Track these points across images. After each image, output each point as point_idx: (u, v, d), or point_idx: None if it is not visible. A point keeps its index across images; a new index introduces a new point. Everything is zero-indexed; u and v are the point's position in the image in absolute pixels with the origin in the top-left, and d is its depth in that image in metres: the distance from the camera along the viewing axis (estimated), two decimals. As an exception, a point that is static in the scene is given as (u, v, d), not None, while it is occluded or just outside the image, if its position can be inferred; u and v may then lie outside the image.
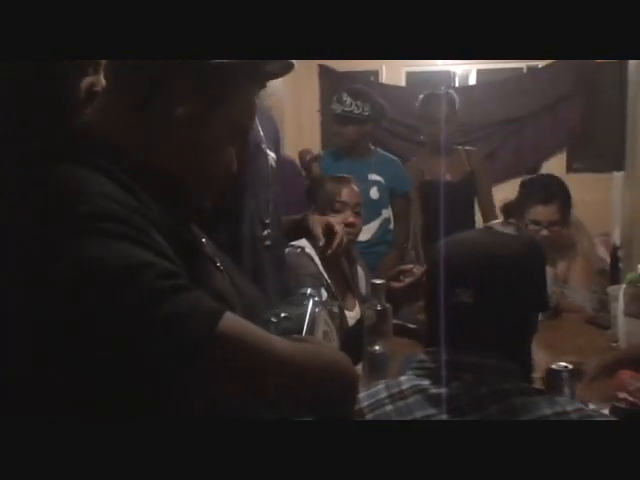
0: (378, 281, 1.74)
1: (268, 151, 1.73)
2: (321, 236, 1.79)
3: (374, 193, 2.98)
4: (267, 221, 1.66)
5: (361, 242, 2.74)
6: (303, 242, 2.18)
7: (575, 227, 2.60)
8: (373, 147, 3.13)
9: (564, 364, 1.50)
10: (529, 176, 2.63)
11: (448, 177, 3.17)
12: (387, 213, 3.04)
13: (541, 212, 2.44)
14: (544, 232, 2.42)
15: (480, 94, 4.87)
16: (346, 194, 2.27)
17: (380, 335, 1.71)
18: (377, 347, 1.67)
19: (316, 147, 4.87)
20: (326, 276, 2.13)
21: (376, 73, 5.15)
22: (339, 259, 2.27)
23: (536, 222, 2.45)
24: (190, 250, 0.84)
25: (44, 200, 0.71)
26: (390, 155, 3.17)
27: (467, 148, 3.39)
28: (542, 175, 2.51)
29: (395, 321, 1.80)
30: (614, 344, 1.98)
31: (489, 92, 4.87)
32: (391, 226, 3.07)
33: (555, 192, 2.46)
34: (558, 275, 2.47)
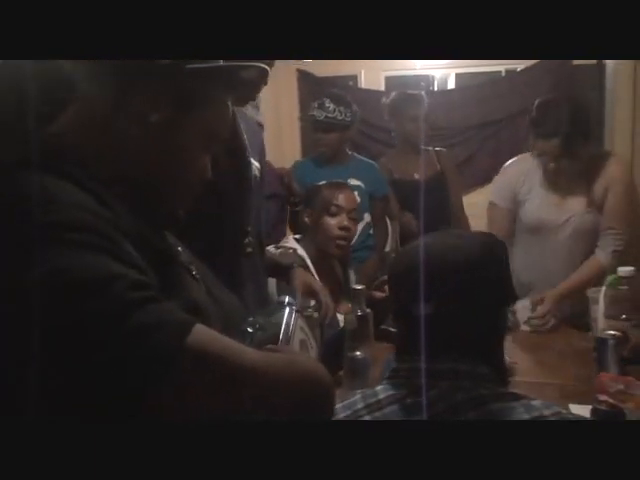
0: (358, 286, 1.74)
1: (252, 160, 1.72)
2: (300, 302, 1.76)
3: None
4: (249, 229, 1.65)
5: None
6: (293, 244, 2.20)
7: (604, 156, 2.41)
8: (350, 152, 3.15)
9: (612, 332, 1.68)
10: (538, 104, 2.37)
11: (417, 176, 3.19)
12: (368, 217, 3.06)
13: (542, 146, 2.30)
14: (550, 165, 2.31)
15: (458, 98, 4.90)
16: (342, 199, 2.31)
17: (361, 340, 1.71)
18: (358, 352, 1.68)
19: (296, 153, 4.88)
20: (317, 278, 2.12)
21: (355, 78, 5.15)
22: (332, 263, 2.28)
23: (540, 155, 2.34)
24: (164, 259, 0.84)
25: (13, 209, 0.70)
26: (366, 159, 3.20)
27: (437, 149, 3.42)
28: (546, 106, 2.30)
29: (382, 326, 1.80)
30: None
31: (467, 96, 4.89)
32: (372, 230, 3.07)
33: (557, 125, 2.24)
34: (595, 201, 2.35)
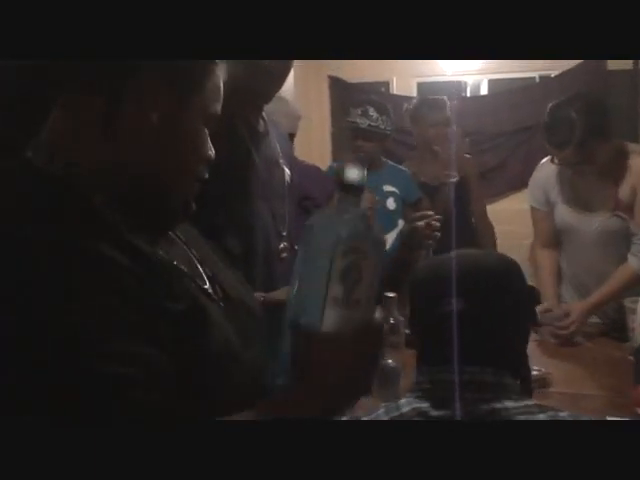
0: (390, 294, 1.72)
1: (284, 166, 1.73)
2: None
3: (391, 204, 3.01)
4: (284, 233, 1.65)
5: None
6: None
7: (625, 152, 2.23)
8: (384, 159, 3.15)
9: None
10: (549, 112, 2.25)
11: (442, 179, 3.17)
12: (402, 224, 3.04)
13: (556, 153, 2.22)
14: (567, 172, 2.26)
15: (491, 104, 4.86)
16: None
17: (392, 348, 1.69)
18: (390, 360, 1.65)
19: (326, 159, 4.88)
20: None
21: (387, 84, 5.15)
22: None
23: (558, 162, 2.25)
24: (170, 275, 0.83)
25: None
26: (398, 166, 3.19)
27: (462, 155, 3.39)
28: (557, 110, 2.16)
29: (407, 331, 1.78)
30: (631, 357, 1.95)
31: (500, 102, 4.86)
32: None
33: (568, 130, 2.10)
34: (623, 203, 2.22)
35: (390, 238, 2.93)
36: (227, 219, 1.49)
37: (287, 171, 1.74)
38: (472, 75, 5.11)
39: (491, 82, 5.15)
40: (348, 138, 3.11)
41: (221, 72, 0.90)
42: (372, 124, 2.94)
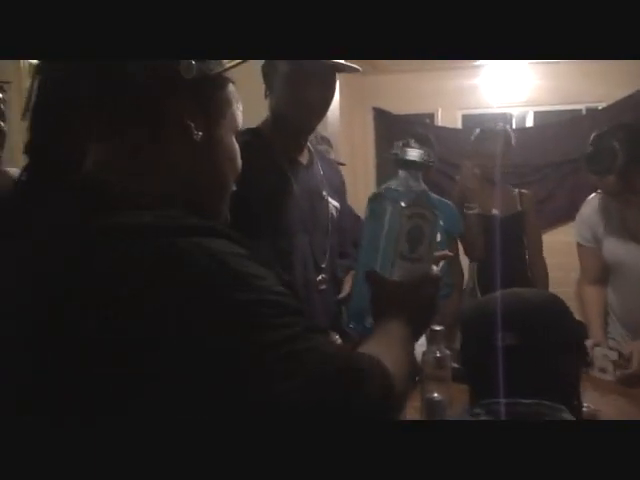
0: (437, 327, 1.72)
1: (330, 199, 1.75)
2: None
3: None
4: (323, 265, 1.67)
5: None
6: None
7: None
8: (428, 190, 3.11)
9: None
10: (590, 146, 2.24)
11: (495, 212, 3.13)
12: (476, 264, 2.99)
13: (599, 184, 2.21)
14: (612, 204, 2.23)
15: (537, 135, 4.83)
16: None
17: (439, 382, 1.68)
18: (436, 394, 1.65)
19: (371, 183, 4.90)
20: None
21: (432, 116, 5.17)
22: None
23: (603, 193, 2.25)
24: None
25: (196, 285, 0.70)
26: (442, 199, 3.13)
27: (522, 190, 3.33)
28: (599, 140, 2.15)
29: (454, 365, 1.78)
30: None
31: (546, 133, 4.83)
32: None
33: (609, 160, 2.09)
34: None
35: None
36: (265, 247, 1.53)
37: (333, 203, 1.75)
38: (518, 107, 5.10)
39: (537, 114, 5.14)
40: (392, 170, 3.09)
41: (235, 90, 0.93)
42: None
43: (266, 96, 1.67)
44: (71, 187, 0.81)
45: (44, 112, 0.84)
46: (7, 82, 1.64)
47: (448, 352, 1.68)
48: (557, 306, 1.25)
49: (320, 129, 3.32)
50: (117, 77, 0.80)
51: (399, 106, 4.88)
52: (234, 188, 0.94)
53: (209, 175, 0.88)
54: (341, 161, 2.92)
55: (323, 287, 1.70)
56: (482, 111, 5.07)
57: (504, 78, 4.95)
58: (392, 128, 4.81)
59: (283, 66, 1.58)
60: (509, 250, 2.95)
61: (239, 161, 0.93)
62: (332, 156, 2.89)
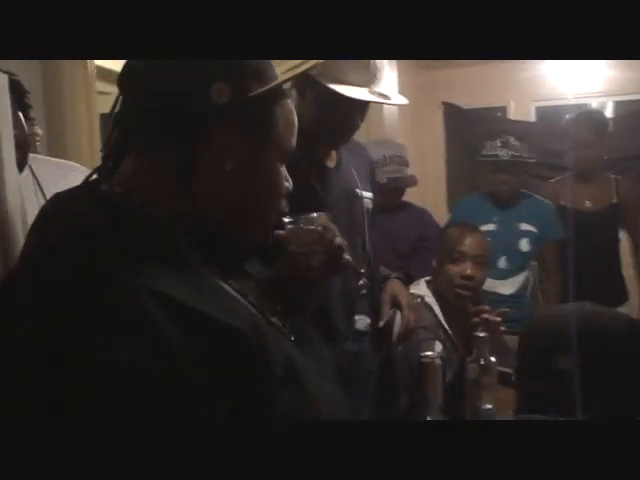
0: (481, 334, 1.65)
1: (363, 193, 1.70)
2: (386, 313, 1.72)
3: (524, 245, 2.78)
4: (362, 270, 1.63)
5: (504, 295, 2.65)
6: (423, 290, 2.11)
7: None
8: (524, 191, 2.89)
9: None
10: None
11: (588, 204, 2.93)
12: (528, 274, 2.84)
13: None
14: None
15: (616, 126, 4.59)
16: (468, 244, 2.10)
17: (485, 390, 1.62)
18: (482, 402, 1.59)
19: (441, 189, 4.79)
20: (447, 327, 2.04)
21: (503, 109, 5.01)
22: (465, 309, 2.15)
23: None
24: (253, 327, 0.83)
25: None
26: (542, 199, 2.90)
27: (618, 177, 3.07)
28: None
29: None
30: None
31: (626, 124, 4.57)
32: (530, 285, 2.86)
33: None
34: None
35: (516, 282, 2.75)
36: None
37: (367, 196, 1.70)
38: (595, 97, 4.87)
39: (618, 104, 4.89)
40: (486, 173, 2.86)
41: (292, 106, 0.90)
42: (515, 154, 2.74)
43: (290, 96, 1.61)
44: (95, 197, 0.83)
45: (113, 124, 0.86)
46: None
47: (493, 359, 1.62)
48: (630, 333, 1.16)
49: (378, 129, 3.27)
50: (163, 96, 0.79)
51: (469, 100, 4.74)
52: (284, 209, 0.92)
53: (242, 201, 0.85)
54: (412, 180, 2.83)
55: (364, 292, 1.67)
56: (557, 103, 4.87)
57: (578, 67, 4.72)
58: (463, 123, 4.68)
59: (328, 90, 1.50)
60: (599, 248, 2.78)
61: (282, 186, 0.90)
62: (406, 172, 2.79)
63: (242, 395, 0.74)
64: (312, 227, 1.01)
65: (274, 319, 0.91)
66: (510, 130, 2.89)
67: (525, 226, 2.76)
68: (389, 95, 1.57)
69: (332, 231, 1.02)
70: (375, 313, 1.72)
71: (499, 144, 2.78)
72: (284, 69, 0.89)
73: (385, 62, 1.58)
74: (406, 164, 2.82)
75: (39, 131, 2.37)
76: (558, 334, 1.11)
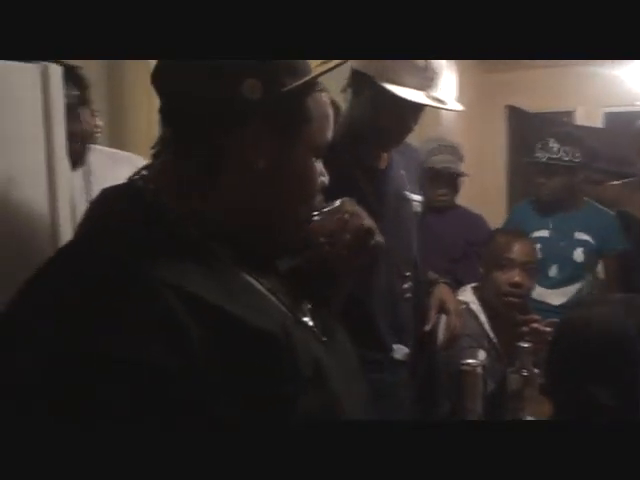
0: (525, 344, 1.62)
1: (412, 196, 1.68)
2: (432, 318, 1.70)
3: (578, 255, 2.64)
4: (407, 274, 1.61)
5: (553, 305, 2.57)
6: (469, 296, 2.07)
7: None
8: (586, 199, 2.75)
9: None
10: None
11: None
12: (590, 277, 2.71)
13: None
14: None
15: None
16: (517, 250, 2.04)
17: (526, 401, 1.58)
18: (523, 414, 1.56)
19: (501, 195, 4.69)
20: (492, 335, 2.00)
21: (570, 114, 4.88)
22: (511, 317, 2.10)
23: None
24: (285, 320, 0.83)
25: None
26: (603, 208, 2.75)
27: None
28: None
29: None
30: None
31: None
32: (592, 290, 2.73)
33: None
34: None
35: (567, 292, 2.64)
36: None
37: (417, 199, 1.68)
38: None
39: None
40: (532, 175, 2.79)
41: (327, 99, 0.88)
42: (552, 157, 2.63)
43: (343, 90, 1.59)
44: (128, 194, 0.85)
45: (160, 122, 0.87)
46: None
47: (536, 370, 1.58)
48: None
49: (433, 132, 3.21)
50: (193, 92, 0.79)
51: (534, 104, 4.63)
52: (318, 205, 0.91)
53: (273, 199, 0.84)
54: (463, 171, 2.76)
55: (408, 295, 1.65)
56: (628, 109, 4.70)
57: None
58: (527, 128, 4.58)
59: (383, 91, 1.48)
60: None
61: (316, 181, 0.88)
62: (457, 166, 2.73)
63: (267, 395, 0.74)
64: (338, 216, 0.99)
65: (305, 318, 0.90)
66: (555, 132, 2.77)
67: (581, 235, 2.64)
68: (445, 100, 1.54)
69: (359, 215, 1.00)
70: (419, 317, 1.70)
71: (539, 146, 2.70)
72: (318, 62, 0.87)
73: (443, 65, 1.56)
74: (458, 156, 2.74)
75: (100, 122, 2.44)
76: (596, 349, 1.05)
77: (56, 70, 1.23)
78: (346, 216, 0.98)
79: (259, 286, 0.84)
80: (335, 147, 1.60)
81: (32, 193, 1.18)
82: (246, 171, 0.82)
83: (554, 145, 2.66)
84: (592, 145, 2.76)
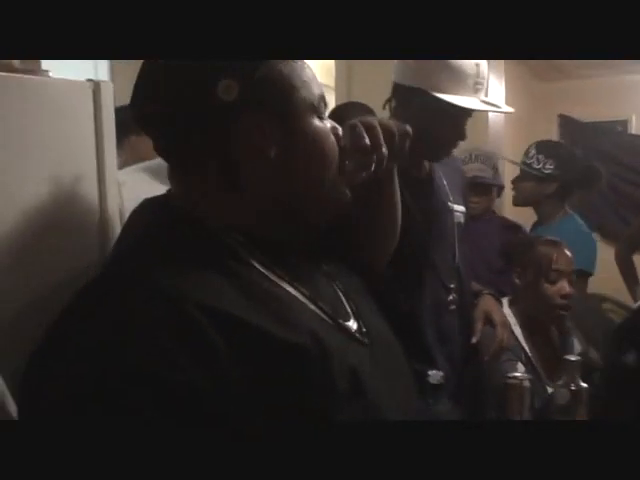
0: (572, 357, 1.58)
1: (455, 206, 1.67)
2: (478, 330, 1.68)
3: None
4: (451, 286, 1.60)
5: None
6: (505, 309, 2.04)
7: None
8: (570, 212, 2.67)
9: None
10: None
11: None
12: None
13: None
14: None
15: None
16: (563, 261, 1.99)
17: (574, 416, 1.55)
18: (571, 430, 1.52)
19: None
20: (527, 349, 1.97)
21: (625, 123, 4.76)
22: (547, 329, 2.07)
23: None
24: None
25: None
26: (584, 228, 2.64)
27: None
28: None
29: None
30: None
31: None
32: None
33: None
34: None
35: None
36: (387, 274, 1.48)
37: (459, 210, 1.67)
38: None
39: None
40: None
41: (302, 62, 0.86)
42: (526, 162, 2.64)
43: (385, 107, 1.59)
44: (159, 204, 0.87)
45: None
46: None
47: (585, 385, 1.54)
48: None
49: (482, 141, 3.16)
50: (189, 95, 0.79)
51: (587, 113, 4.54)
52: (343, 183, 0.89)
53: (298, 183, 0.84)
54: (494, 180, 2.71)
55: (453, 307, 1.64)
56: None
57: None
58: (579, 137, 4.50)
59: (434, 101, 1.48)
60: None
61: (331, 140, 0.86)
62: (486, 175, 2.68)
63: (297, 409, 0.73)
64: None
65: (349, 322, 0.89)
66: (540, 141, 2.74)
67: None
68: (498, 104, 1.53)
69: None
70: (465, 329, 1.68)
71: (526, 150, 2.72)
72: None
73: (488, 71, 1.55)
74: (491, 166, 2.69)
75: None
76: None
77: (108, 86, 1.27)
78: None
79: (295, 293, 0.83)
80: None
81: (84, 197, 1.23)
82: (261, 165, 0.81)
83: (532, 151, 2.65)
84: (571, 159, 2.66)
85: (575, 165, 2.67)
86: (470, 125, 1.58)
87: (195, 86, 0.78)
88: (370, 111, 1.53)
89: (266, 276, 0.81)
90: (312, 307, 0.85)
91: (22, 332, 0.93)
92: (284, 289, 0.82)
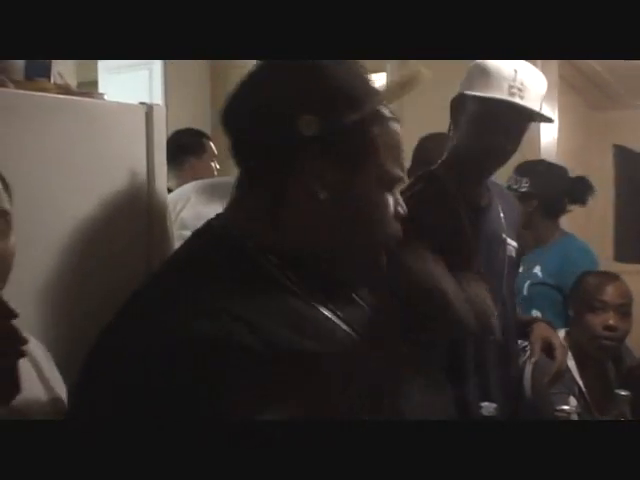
0: (623, 392, 1.54)
1: (509, 240, 1.66)
2: (537, 353, 1.64)
3: (525, 288, 2.40)
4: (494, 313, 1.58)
5: None
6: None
7: None
8: (569, 233, 2.58)
9: None
10: None
11: None
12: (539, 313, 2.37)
13: None
14: None
15: None
16: (610, 292, 1.96)
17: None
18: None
19: (608, 231, 4.50)
20: (581, 383, 1.92)
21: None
22: (602, 360, 2.02)
23: None
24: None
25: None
26: (584, 245, 2.53)
27: None
28: None
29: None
30: None
31: None
32: None
33: None
34: None
35: None
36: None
37: (512, 245, 1.66)
38: None
39: None
40: None
41: (398, 128, 0.87)
42: (506, 182, 2.46)
43: (449, 131, 1.60)
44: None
45: None
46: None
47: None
48: None
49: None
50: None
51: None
52: (396, 233, 0.88)
53: (340, 230, 0.84)
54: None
55: (493, 337, 1.61)
56: None
57: None
58: (634, 167, 4.39)
59: (472, 104, 1.51)
60: None
61: (387, 211, 0.86)
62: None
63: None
64: None
65: (382, 349, 0.90)
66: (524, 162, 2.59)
67: (536, 269, 2.41)
68: (538, 110, 1.53)
69: None
70: (505, 360, 1.65)
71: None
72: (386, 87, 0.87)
73: (533, 82, 1.54)
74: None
75: (217, 166, 2.59)
76: None
77: (160, 110, 1.31)
78: None
79: (330, 315, 0.85)
80: (441, 180, 1.61)
81: (133, 213, 1.27)
82: (308, 202, 0.82)
83: (512, 174, 2.52)
84: (548, 174, 2.55)
85: (555, 180, 2.55)
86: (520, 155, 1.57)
87: (278, 114, 0.81)
88: None
89: (305, 299, 0.83)
90: (347, 330, 0.86)
91: (82, 331, 0.98)
92: (319, 312, 0.84)
